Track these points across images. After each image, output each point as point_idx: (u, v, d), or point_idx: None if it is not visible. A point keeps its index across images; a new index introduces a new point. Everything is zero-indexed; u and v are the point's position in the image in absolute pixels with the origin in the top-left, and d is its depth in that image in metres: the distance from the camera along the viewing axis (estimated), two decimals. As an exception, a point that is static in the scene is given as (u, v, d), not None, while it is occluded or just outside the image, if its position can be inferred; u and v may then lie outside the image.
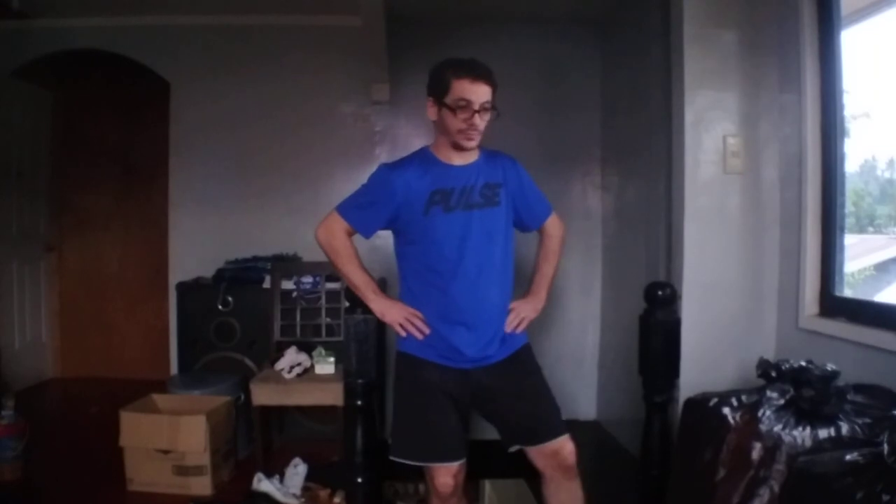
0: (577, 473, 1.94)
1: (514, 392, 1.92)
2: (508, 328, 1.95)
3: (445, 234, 1.86)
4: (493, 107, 1.83)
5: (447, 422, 1.89)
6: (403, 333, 1.92)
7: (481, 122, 1.81)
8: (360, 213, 1.92)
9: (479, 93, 1.79)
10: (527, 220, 2.04)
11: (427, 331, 1.90)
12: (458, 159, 1.90)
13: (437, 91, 1.83)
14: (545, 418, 1.92)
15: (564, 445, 1.91)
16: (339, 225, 1.93)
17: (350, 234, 1.95)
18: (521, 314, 1.98)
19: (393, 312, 1.93)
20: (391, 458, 1.90)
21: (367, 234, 1.95)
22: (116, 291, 4.78)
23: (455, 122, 1.80)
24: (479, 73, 1.80)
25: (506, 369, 1.93)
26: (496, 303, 1.93)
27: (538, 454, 1.92)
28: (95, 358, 4.68)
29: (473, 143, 1.85)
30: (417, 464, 1.89)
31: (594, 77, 3.88)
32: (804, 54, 2.21)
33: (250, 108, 3.90)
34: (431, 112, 1.87)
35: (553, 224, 2.10)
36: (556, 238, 2.10)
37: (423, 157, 1.93)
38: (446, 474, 1.88)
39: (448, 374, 1.90)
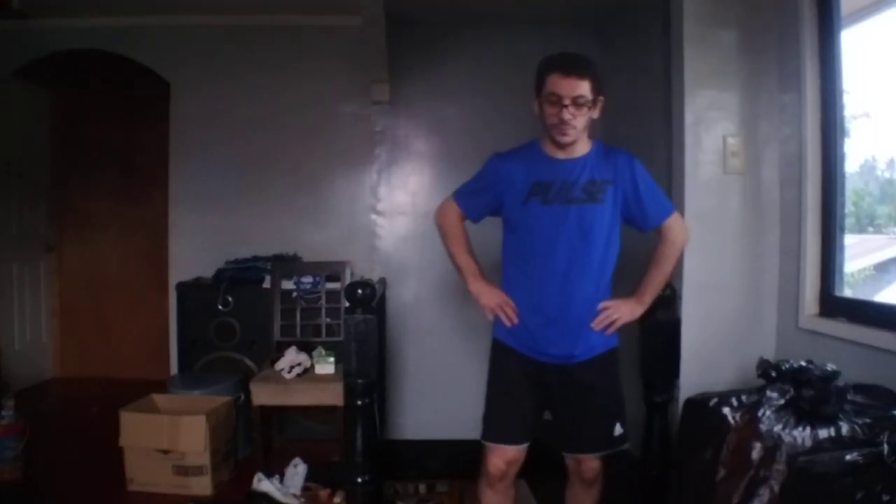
0: (597, 486, 2.03)
1: (571, 403, 1.95)
2: (596, 326, 1.92)
3: (540, 225, 1.89)
4: (592, 101, 1.82)
5: (514, 407, 1.95)
6: (491, 317, 1.98)
7: (571, 116, 1.80)
8: (469, 198, 2.03)
9: (570, 87, 1.79)
10: (637, 221, 1.98)
11: (516, 320, 1.93)
12: (562, 153, 1.91)
13: (537, 86, 1.86)
14: (584, 433, 1.97)
15: (585, 462, 1.98)
16: (453, 209, 2.05)
17: (462, 219, 2.04)
18: (614, 315, 1.93)
19: (488, 297, 1.98)
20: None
21: (474, 218, 2.05)
22: (116, 291, 4.79)
23: (547, 117, 1.83)
24: (569, 66, 1.81)
25: (578, 374, 1.93)
26: (587, 301, 1.91)
27: (566, 457, 2.03)
28: (95, 358, 4.68)
29: (568, 138, 1.85)
30: (482, 441, 1.97)
31: (594, 77, 3.87)
32: (804, 54, 2.20)
33: (250, 109, 3.89)
34: (534, 107, 1.89)
35: (670, 227, 1.98)
36: (671, 243, 1.99)
37: (530, 149, 1.97)
38: (500, 456, 1.93)
39: (528, 364, 1.94)
